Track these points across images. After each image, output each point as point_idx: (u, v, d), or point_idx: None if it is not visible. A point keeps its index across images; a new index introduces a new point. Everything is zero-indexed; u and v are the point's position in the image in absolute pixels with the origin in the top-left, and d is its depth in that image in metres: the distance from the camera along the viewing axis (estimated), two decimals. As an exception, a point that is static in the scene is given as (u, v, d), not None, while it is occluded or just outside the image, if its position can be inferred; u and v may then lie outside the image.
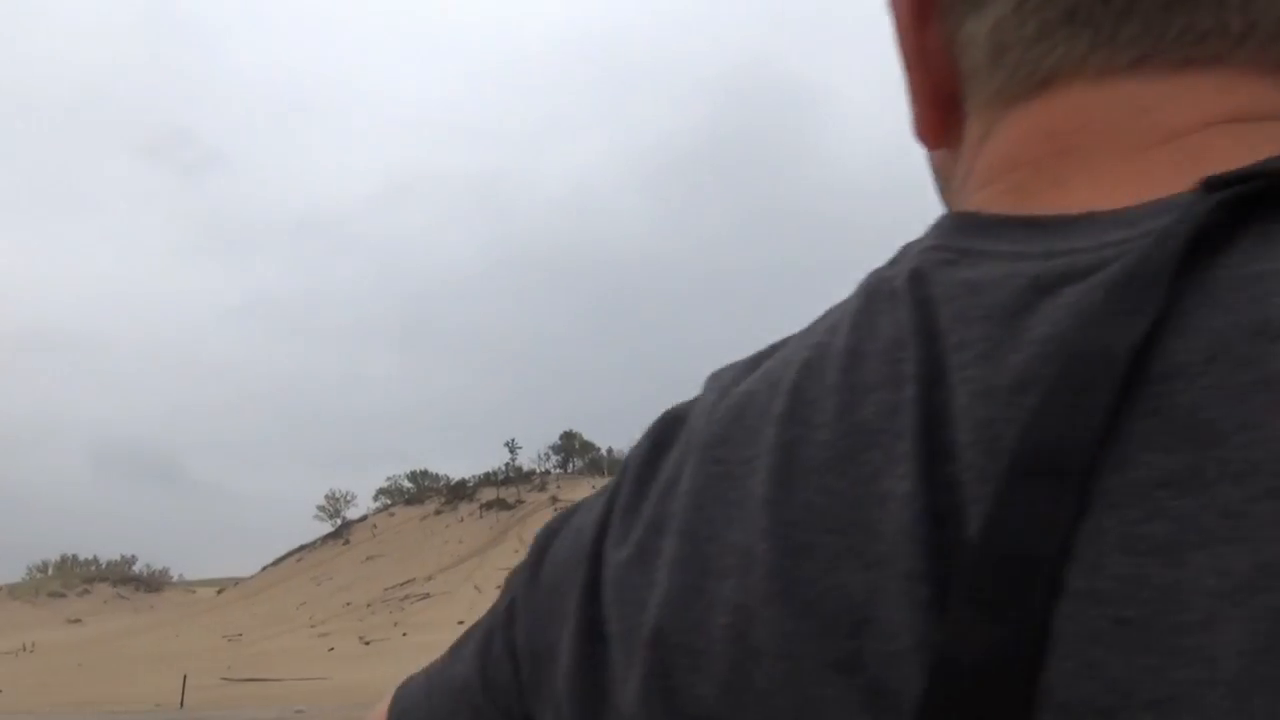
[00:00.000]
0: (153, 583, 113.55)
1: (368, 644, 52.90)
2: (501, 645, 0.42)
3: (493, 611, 0.44)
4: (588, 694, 0.35)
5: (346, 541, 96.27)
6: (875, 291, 0.34)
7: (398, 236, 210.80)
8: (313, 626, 64.01)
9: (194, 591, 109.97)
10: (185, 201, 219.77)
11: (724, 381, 0.37)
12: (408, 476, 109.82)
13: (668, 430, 0.38)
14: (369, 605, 69.12)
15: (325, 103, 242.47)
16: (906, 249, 0.35)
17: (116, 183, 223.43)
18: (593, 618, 0.35)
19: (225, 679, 38.73)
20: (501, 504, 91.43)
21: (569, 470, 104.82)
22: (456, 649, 0.47)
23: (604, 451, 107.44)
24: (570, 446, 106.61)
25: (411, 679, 0.50)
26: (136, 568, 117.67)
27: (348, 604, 71.26)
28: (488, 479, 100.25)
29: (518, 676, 0.41)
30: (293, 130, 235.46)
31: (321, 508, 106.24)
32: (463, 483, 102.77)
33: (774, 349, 0.37)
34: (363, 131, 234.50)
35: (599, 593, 0.36)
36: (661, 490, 0.35)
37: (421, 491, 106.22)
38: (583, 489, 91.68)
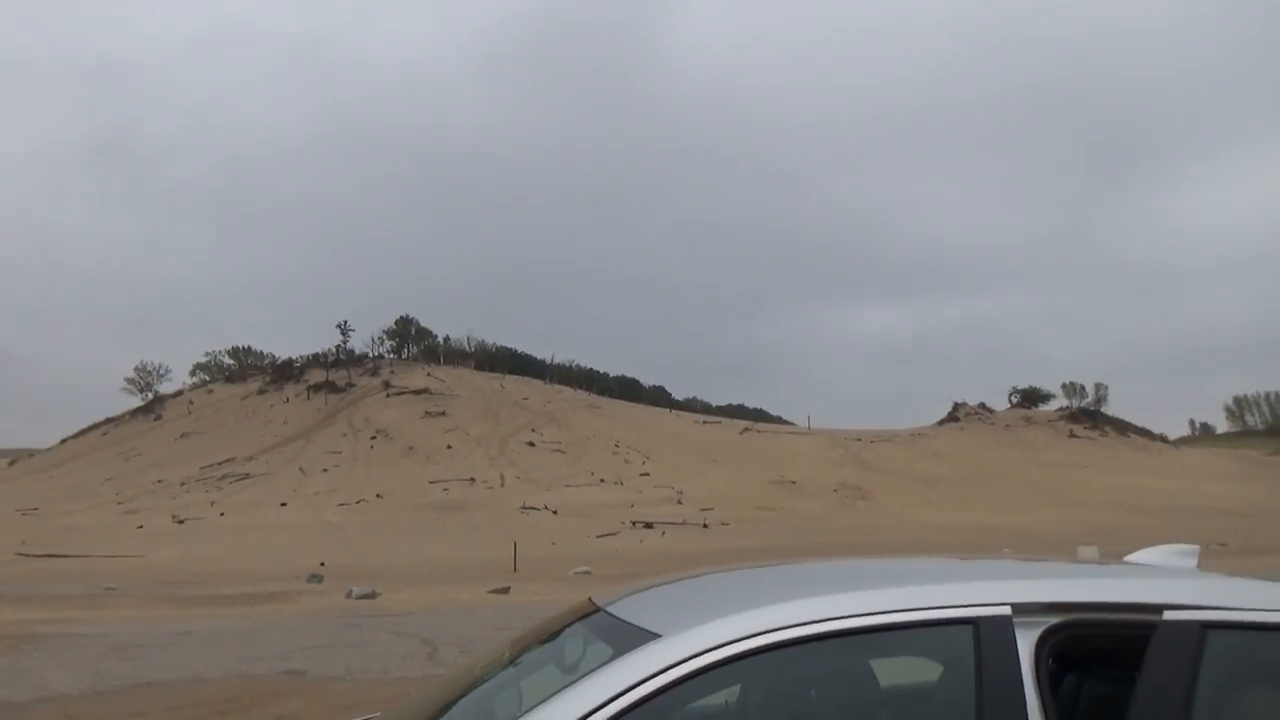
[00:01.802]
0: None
1: (181, 523, 51.37)
2: None
3: None
4: None
5: (159, 417, 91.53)
6: None
7: (212, 93, 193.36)
8: (120, 503, 61.14)
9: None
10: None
11: None
12: (229, 353, 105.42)
13: None
14: (183, 484, 66.52)
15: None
16: None
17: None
18: None
19: (20, 554, 36.59)
20: (331, 386, 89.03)
21: (404, 356, 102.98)
22: None
23: (440, 339, 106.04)
24: (406, 331, 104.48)
25: None
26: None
27: (159, 481, 68.22)
28: (316, 360, 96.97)
29: None
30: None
31: (130, 380, 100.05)
32: (289, 362, 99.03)
33: None
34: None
35: None
36: None
37: (244, 369, 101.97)
38: (417, 375, 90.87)
